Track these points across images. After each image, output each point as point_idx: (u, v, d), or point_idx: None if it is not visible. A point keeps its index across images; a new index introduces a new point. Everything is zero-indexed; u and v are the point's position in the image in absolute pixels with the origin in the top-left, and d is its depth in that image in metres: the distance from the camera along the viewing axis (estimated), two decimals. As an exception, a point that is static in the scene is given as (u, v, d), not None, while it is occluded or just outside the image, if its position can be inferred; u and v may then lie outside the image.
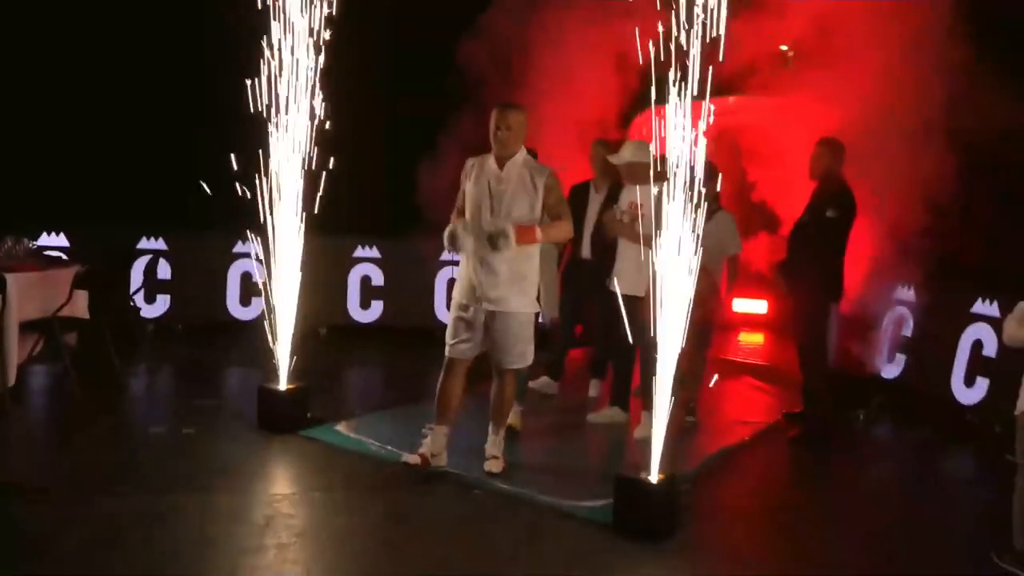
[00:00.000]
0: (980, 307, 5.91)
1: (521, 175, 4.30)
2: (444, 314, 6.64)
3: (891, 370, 6.64)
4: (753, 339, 9.04)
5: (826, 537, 4.13)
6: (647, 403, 4.94)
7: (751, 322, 9.42)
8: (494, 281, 4.28)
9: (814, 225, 5.33)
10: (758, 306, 9.43)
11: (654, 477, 3.84)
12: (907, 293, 6.66)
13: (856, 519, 4.40)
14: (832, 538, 4.12)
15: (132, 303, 7.21)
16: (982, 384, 5.76)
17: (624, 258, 5.12)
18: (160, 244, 7.81)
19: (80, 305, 5.87)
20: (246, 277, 7.81)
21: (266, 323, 5.13)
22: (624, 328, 4.25)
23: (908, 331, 6.57)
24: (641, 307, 4.28)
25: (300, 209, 5.07)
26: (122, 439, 5.06)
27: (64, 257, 6.47)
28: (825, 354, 5.52)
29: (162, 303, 7.76)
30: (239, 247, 7.79)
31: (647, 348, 4.82)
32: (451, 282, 6.29)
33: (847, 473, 5.22)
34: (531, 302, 4.44)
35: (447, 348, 4.50)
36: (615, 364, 5.62)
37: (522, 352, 4.44)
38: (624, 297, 4.24)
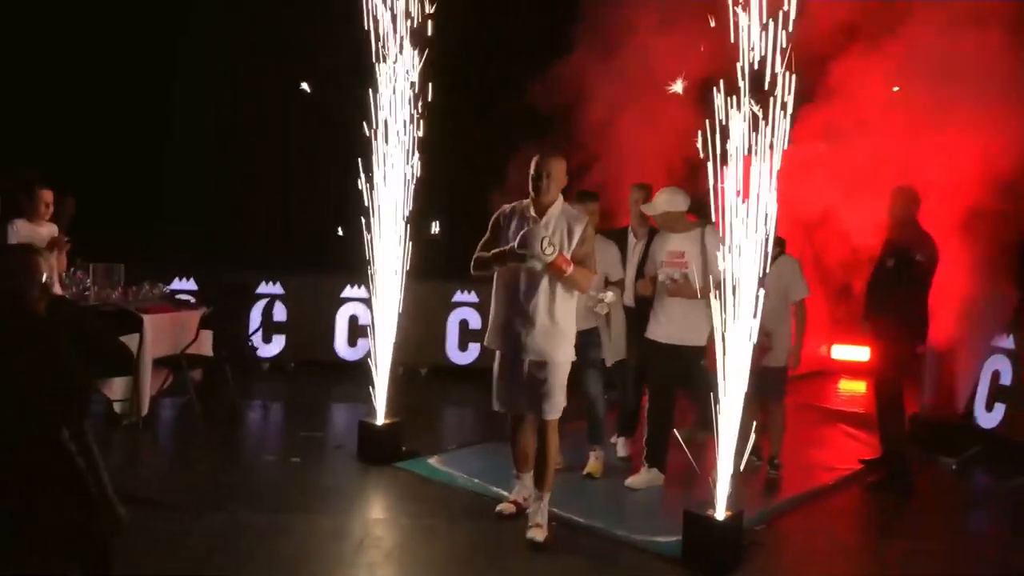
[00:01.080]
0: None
1: (559, 222, 4.27)
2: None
3: (989, 419, 6.48)
4: (853, 386, 8.93)
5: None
6: (651, 457, 5.09)
7: (852, 369, 9.31)
8: (532, 331, 4.22)
9: (901, 269, 5.35)
10: (860, 353, 9.29)
11: (720, 514, 4.01)
12: (1006, 340, 6.52)
13: (923, 566, 4.37)
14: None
15: (250, 343, 7.87)
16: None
17: (671, 307, 4.99)
18: (277, 288, 8.48)
19: (206, 344, 6.52)
20: (353, 320, 8.39)
21: (370, 361, 5.56)
22: (669, 381, 4.41)
23: (1007, 380, 6.42)
24: (702, 356, 4.45)
25: (403, 257, 5.46)
26: (238, 464, 5.59)
27: (192, 300, 7.19)
28: (901, 399, 5.49)
29: (277, 343, 8.41)
30: (347, 291, 8.39)
31: (668, 401, 5.04)
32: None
33: (926, 521, 5.15)
34: (570, 351, 4.32)
35: (496, 403, 4.46)
36: (655, 420, 5.17)
37: (560, 402, 4.30)
38: (676, 348, 4.38)
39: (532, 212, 4.31)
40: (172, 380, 6.41)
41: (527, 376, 4.29)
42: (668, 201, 4.99)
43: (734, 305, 3.99)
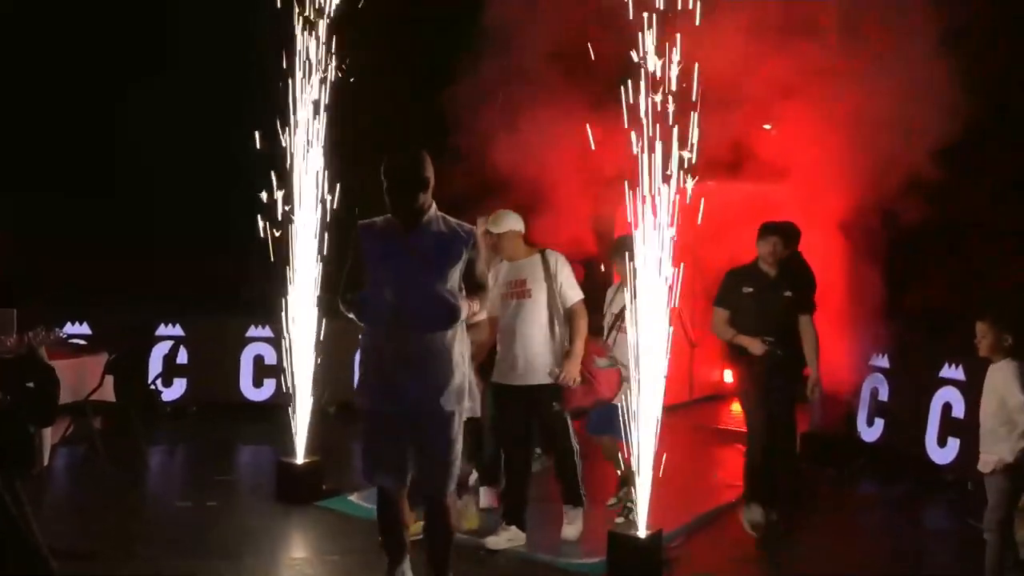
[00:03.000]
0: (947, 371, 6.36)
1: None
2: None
3: (871, 433, 7.03)
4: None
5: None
6: (509, 514, 4.77)
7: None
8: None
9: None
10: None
11: (642, 532, 4.24)
12: (881, 360, 7.10)
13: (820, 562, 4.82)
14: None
15: (152, 386, 7.63)
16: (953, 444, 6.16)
17: (529, 343, 4.65)
18: (177, 330, 8.27)
19: (108, 389, 6.31)
20: (259, 360, 8.27)
21: (291, 402, 5.53)
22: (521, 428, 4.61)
23: (884, 396, 6.99)
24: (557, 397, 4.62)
25: (316, 294, 5.51)
26: (151, 510, 5.47)
27: (85, 344, 6.94)
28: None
29: (179, 386, 8.19)
30: (252, 331, 8.28)
31: (523, 451, 4.83)
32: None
33: (819, 524, 5.61)
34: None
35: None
36: (514, 471, 4.86)
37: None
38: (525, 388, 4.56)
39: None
40: (72, 428, 6.18)
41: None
42: (516, 220, 4.77)
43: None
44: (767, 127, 7.71)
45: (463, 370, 3.55)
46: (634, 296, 4.26)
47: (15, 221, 8.51)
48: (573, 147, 6.22)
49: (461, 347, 3.55)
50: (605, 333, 5.28)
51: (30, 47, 9.09)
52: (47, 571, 2.87)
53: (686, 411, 8.64)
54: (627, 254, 4.33)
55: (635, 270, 4.27)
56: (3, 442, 2.79)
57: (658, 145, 4.19)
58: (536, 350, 4.63)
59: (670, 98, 4.17)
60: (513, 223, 4.75)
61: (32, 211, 9.04)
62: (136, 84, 9.35)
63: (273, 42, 5.36)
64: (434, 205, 3.53)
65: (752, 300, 5.25)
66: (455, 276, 3.49)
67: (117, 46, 9.40)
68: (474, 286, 3.55)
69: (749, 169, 7.45)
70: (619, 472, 5.20)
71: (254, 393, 8.27)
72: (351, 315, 3.51)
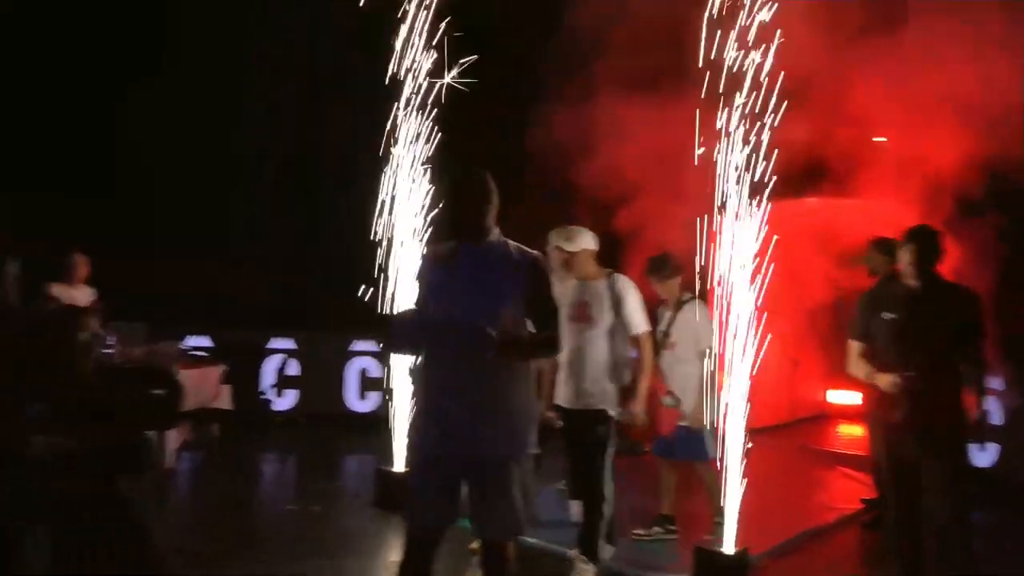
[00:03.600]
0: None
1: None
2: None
3: (983, 458, 6.72)
4: (850, 430, 9.16)
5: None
6: (588, 552, 4.44)
7: (847, 413, 9.55)
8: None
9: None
10: (853, 397, 9.54)
11: (730, 549, 4.24)
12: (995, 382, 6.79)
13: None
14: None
15: (264, 396, 8.11)
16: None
17: (587, 370, 4.48)
18: (289, 343, 8.73)
19: (225, 399, 6.76)
20: (363, 373, 8.64)
21: (391, 411, 5.75)
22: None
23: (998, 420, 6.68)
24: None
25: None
26: (261, 513, 5.85)
27: (204, 355, 7.45)
28: None
29: (290, 397, 8.63)
30: (356, 345, 8.66)
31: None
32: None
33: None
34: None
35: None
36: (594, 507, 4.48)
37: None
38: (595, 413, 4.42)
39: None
40: (192, 434, 6.64)
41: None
42: (592, 238, 4.62)
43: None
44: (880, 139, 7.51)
45: (527, 406, 3.22)
46: (723, 316, 4.29)
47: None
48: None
49: (528, 381, 3.23)
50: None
51: (30, 47, 9.22)
52: (158, 572, 3.14)
53: (788, 431, 8.49)
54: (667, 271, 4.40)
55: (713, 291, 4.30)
56: (118, 445, 3.09)
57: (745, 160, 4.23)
58: (594, 377, 4.45)
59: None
60: (588, 241, 4.57)
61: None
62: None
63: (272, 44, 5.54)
64: (498, 229, 3.29)
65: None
66: (518, 303, 3.14)
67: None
68: (541, 314, 3.20)
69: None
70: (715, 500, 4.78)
71: (359, 405, 8.64)
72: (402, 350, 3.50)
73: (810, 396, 9.39)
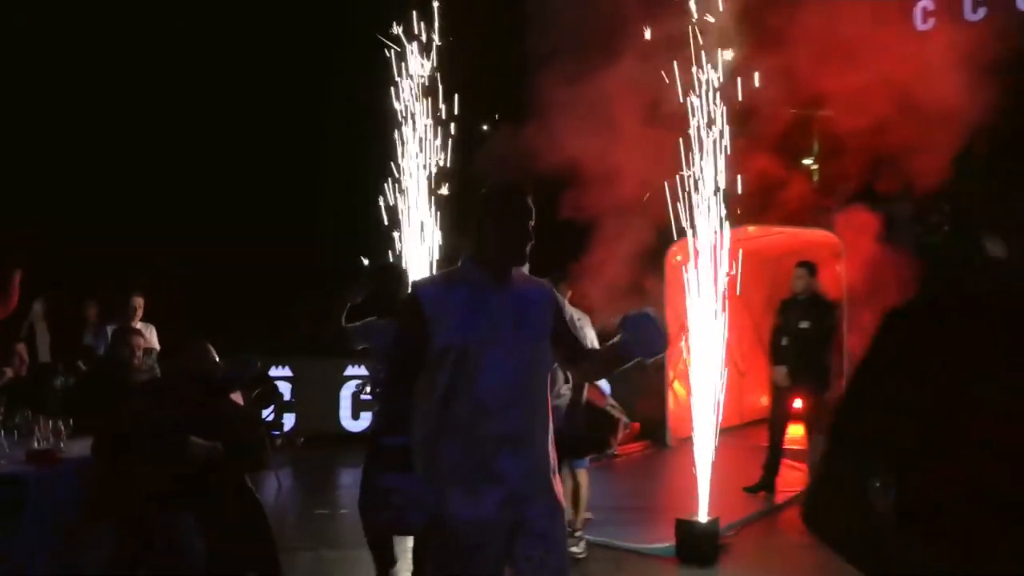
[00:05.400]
0: None
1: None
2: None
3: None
4: (792, 430, 10.26)
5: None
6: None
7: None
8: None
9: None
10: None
11: (703, 519, 5.23)
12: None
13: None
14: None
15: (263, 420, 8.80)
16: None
17: None
18: (286, 371, 9.47)
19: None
20: (355, 395, 9.41)
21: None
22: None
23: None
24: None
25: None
26: (297, 516, 6.62)
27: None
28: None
29: (288, 420, 9.35)
30: (349, 370, 9.44)
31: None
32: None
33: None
34: None
35: None
36: None
37: None
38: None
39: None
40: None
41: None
42: None
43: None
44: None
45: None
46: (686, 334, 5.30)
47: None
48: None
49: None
50: None
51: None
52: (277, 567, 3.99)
53: (738, 432, 9.55)
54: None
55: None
56: (242, 440, 3.93)
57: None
58: None
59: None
60: None
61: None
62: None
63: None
64: None
65: None
66: (548, 336, 2.72)
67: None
68: (577, 346, 2.83)
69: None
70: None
71: (353, 425, 9.42)
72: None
73: (756, 402, 10.48)
